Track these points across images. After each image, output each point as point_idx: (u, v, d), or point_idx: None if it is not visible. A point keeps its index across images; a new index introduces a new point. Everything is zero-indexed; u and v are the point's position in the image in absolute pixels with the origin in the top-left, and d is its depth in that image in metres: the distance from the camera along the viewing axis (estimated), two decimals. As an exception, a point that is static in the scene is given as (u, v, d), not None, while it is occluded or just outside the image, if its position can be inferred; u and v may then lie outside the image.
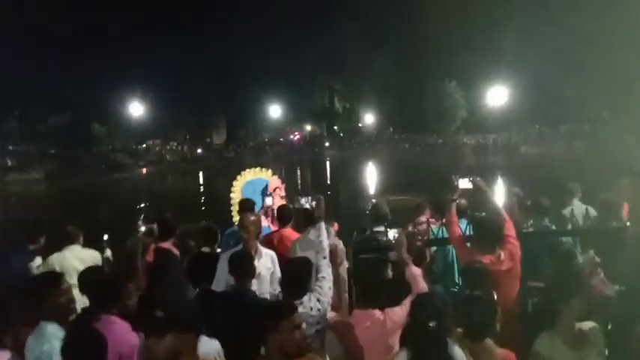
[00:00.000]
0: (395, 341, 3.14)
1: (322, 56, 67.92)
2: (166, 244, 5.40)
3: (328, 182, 38.09)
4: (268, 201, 6.09)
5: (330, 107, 72.93)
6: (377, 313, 3.19)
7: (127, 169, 50.34)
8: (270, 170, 7.54)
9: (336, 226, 5.28)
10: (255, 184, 7.39)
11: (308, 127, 79.69)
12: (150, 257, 5.21)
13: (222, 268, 4.22)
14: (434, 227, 5.29)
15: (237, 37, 67.59)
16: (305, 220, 4.27)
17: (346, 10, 64.44)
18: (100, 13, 60.02)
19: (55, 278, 3.00)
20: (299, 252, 3.87)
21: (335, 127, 76.05)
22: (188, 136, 68.19)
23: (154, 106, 63.40)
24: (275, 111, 74.01)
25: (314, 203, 3.92)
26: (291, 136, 76.67)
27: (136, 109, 63.49)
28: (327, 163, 52.99)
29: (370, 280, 3.26)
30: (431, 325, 2.79)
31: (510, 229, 3.95)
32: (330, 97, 72.49)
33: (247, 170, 7.58)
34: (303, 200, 4.05)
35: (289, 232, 5.49)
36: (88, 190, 38.02)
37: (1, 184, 42.31)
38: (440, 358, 2.69)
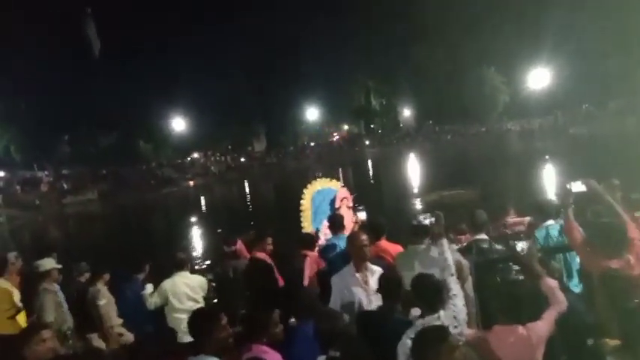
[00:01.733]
0: (539, 356, 3.15)
1: (356, 54, 67.56)
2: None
3: (372, 181, 37.91)
4: (361, 215, 6.16)
5: (367, 105, 72.57)
6: (519, 328, 3.19)
7: (174, 183, 51.58)
8: (339, 182, 7.60)
9: (466, 237, 5.22)
10: (325, 193, 7.49)
11: (346, 127, 79.65)
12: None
13: (338, 288, 4.28)
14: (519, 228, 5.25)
15: (271, 42, 67.98)
16: (417, 236, 4.30)
17: (379, 5, 63.95)
18: (134, 32, 61.54)
19: (216, 314, 3.14)
20: (419, 269, 3.90)
21: (373, 125, 75.66)
22: (230, 146, 69.30)
23: (195, 119, 64.92)
24: (312, 113, 74.32)
25: (433, 219, 3.96)
26: (331, 137, 76.81)
27: (179, 123, 65.26)
28: (369, 161, 52.77)
29: (512, 296, 3.26)
30: (589, 342, 2.78)
31: (634, 231, 3.86)
32: (366, 94, 72.17)
33: (318, 180, 7.69)
34: (422, 217, 4.09)
35: (387, 245, 5.52)
36: (142, 206, 39.27)
37: (60, 207, 44.16)
38: None
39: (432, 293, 3.37)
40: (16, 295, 5.49)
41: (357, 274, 4.29)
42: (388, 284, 3.70)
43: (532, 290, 3.34)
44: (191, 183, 52.91)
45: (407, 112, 75.52)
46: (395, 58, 66.66)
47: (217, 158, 65.69)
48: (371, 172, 45.18)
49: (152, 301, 5.49)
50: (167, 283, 5.53)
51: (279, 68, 66.26)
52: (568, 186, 4.12)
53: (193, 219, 27.34)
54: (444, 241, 3.75)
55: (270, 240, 6.48)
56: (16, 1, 53.69)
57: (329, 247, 5.82)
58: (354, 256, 4.40)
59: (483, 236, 5.17)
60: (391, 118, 75.38)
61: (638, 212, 5.01)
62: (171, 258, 6.01)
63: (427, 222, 4.10)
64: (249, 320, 3.32)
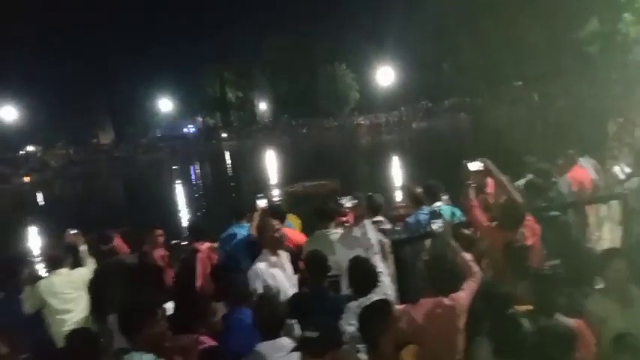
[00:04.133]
0: (462, 324, 3.36)
1: (211, 45, 66.23)
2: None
3: (230, 174, 37.36)
4: (261, 203, 5.90)
5: (223, 97, 71.48)
6: (445, 300, 3.37)
7: (5, 179, 45.83)
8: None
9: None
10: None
11: (201, 119, 77.58)
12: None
13: (262, 276, 4.08)
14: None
15: (119, 28, 63.51)
16: (323, 220, 4.34)
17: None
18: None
19: (150, 309, 2.82)
20: (342, 249, 3.92)
21: (230, 118, 74.75)
22: (72, 138, 63.31)
23: (30, 107, 57.84)
24: (165, 105, 71.07)
25: (355, 202, 3.99)
26: (185, 129, 74.15)
27: (9, 112, 57.51)
28: (227, 154, 52.05)
29: (442, 270, 3.41)
30: (510, 311, 3.04)
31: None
32: (221, 86, 70.97)
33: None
34: (344, 199, 4.10)
35: (287, 231, 5.48)
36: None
37: None
38: (522, 343, 2.93)
39: (368, 278, 3.42)
40: None
41: (275, 259, 4.20)
42: (317, 264, 3.66)
43: (451, 264, 3.54)
44: (26, 179, 47.34)
45: (263, 106, 75.83)
46: (250, 51, 66.69)
47: (58, 152, 59.47)
48: (230, 165, 44.48)
49: (26, 305, 4.80)
50: (42, 284, 4.89)
51: (128, 55, 62.33)
52: (467, 165, 4.41)
53: (31, 218, 24.39)
54: (366, 222, 3.82)
55: (159, 232, 6.08)
56: None
57: (228, 237, 5.58)
58: (268, 242, 4.28)
59: (380, 218, 5.38)
60: (248, 111, 75.11)
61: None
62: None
63: (349, 204, 4.14)
64: (186, 310, 3.06)
